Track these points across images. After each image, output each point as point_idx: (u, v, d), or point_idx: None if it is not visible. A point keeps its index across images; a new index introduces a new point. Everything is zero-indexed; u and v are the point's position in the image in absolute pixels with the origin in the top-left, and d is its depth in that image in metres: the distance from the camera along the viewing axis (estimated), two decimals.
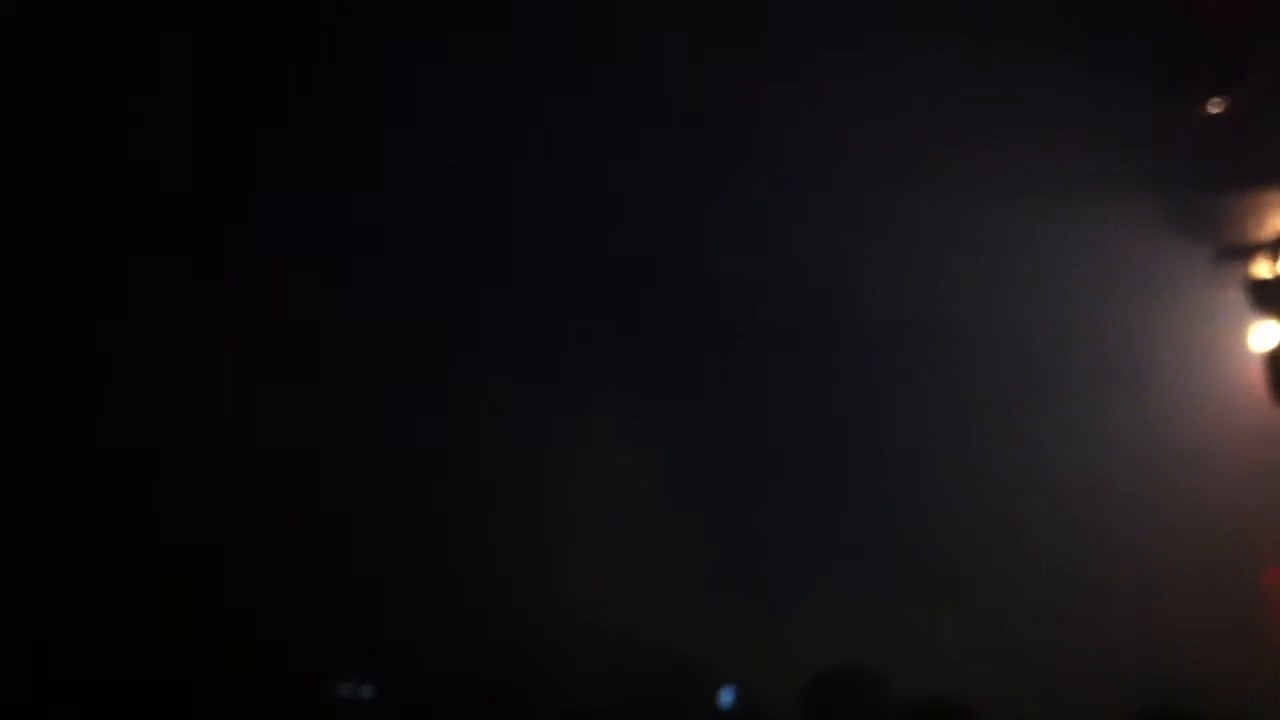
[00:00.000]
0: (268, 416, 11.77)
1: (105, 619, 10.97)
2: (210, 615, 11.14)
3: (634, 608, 11.91)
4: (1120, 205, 12.32)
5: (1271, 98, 12.23)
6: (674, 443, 12.56)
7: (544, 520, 12.21)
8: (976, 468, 12.44)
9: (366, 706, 11.86)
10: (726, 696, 11.92)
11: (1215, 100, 12.44)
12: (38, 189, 11.65)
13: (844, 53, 12.12)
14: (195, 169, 12.05)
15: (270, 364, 11.82)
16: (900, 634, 12.09)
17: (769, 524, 12.62)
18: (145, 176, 11.89)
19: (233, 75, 12.04)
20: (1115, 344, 12.51)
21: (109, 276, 11.73)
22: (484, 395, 12.29)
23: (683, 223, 12.51)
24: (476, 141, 12.31)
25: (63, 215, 11.78)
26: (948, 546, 12.53)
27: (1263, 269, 12.63)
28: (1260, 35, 12.08)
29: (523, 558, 11.98)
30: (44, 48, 11.74)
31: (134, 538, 11.24)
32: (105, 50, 11.81)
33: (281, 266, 12.08)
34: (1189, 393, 12.49)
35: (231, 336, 11.85)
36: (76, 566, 11.09)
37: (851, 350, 12.69)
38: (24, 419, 11.32)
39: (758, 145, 12.36)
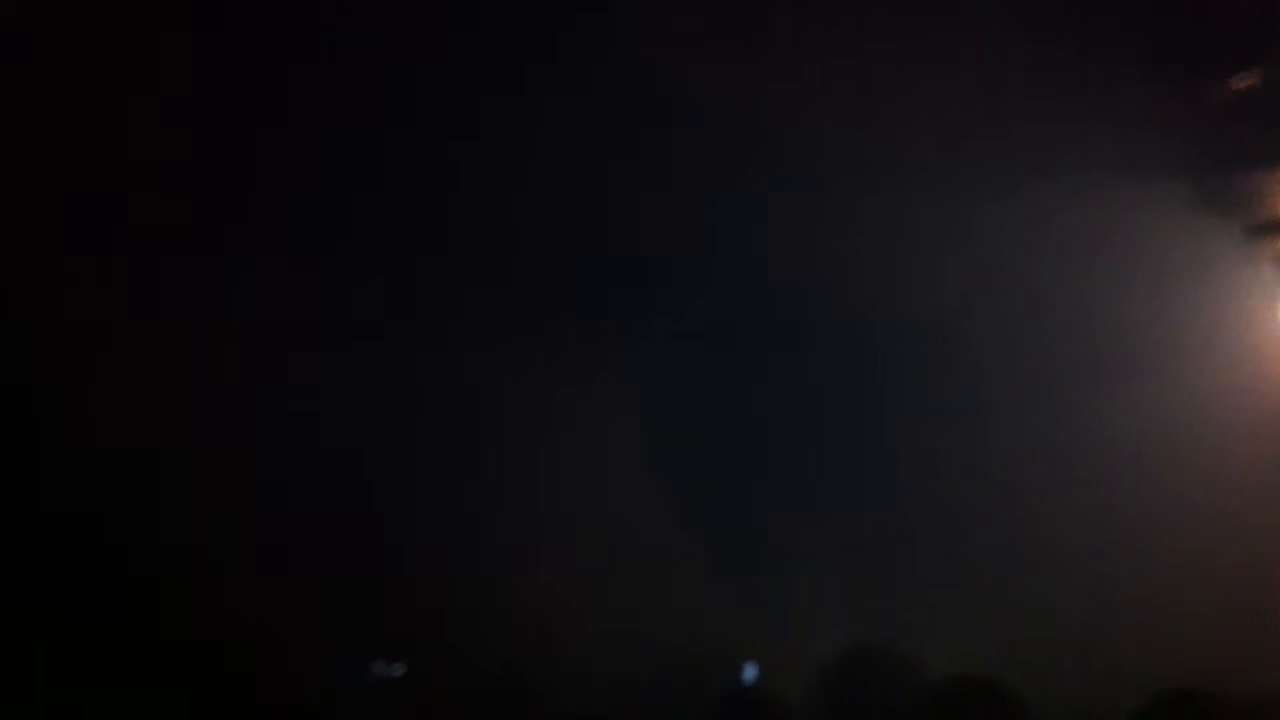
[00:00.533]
0: (261, 410, 11.71)
1: (105, 619, 10.93)
2: (208, 614, 11.10)
3: (636, 600, 11.88)
4: (1145, 188, 12.31)
5: None
6: (674, 433, 12.49)
7: (541, 514, 12.17)
8: (999, 456, 12.39)
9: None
10: (749, 672, 11.86)
11: (1240, 76, 12.46)
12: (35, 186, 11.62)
13: (852, 44, 12.16)
14: (192, 166, 12.03)
15: (263, 358, 11.77)
16: (921, 624, 11.99)
17: (773, 513, 12.52)
18: (137, 170, 11.84)
19: (231, 71, 12.01)
20: (1143, 327, 12.44)
21: (105, 274, 11.63)
22: (481, 390, 12.24)
23: (694, 205, 12.45)
24: (476, 131, 12.28)
25: (61, 214, 11.74)
26: (974, 535, 12.48)
27: None
28: None
29: (519, 553, 11.94)
30: (44, 47, 11.73)
31: (133, 537, 11.20)
32: (100, 45, 11.77)
33: (277, 259, 12.03)
34: (1217, 374, 12.46)
35: (228, 332, 11.83)
36: (76, 566, 11.07)
37: (866, 341, 12.65)
38: (24, 419, 11.26)
39: (765, 140, 12.29)
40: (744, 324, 12.81)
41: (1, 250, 11.36)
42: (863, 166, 12.18)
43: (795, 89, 12.11)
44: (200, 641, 10.98)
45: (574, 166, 12.30)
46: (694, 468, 12.62)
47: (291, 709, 11.20)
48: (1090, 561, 12.18)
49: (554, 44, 12.30)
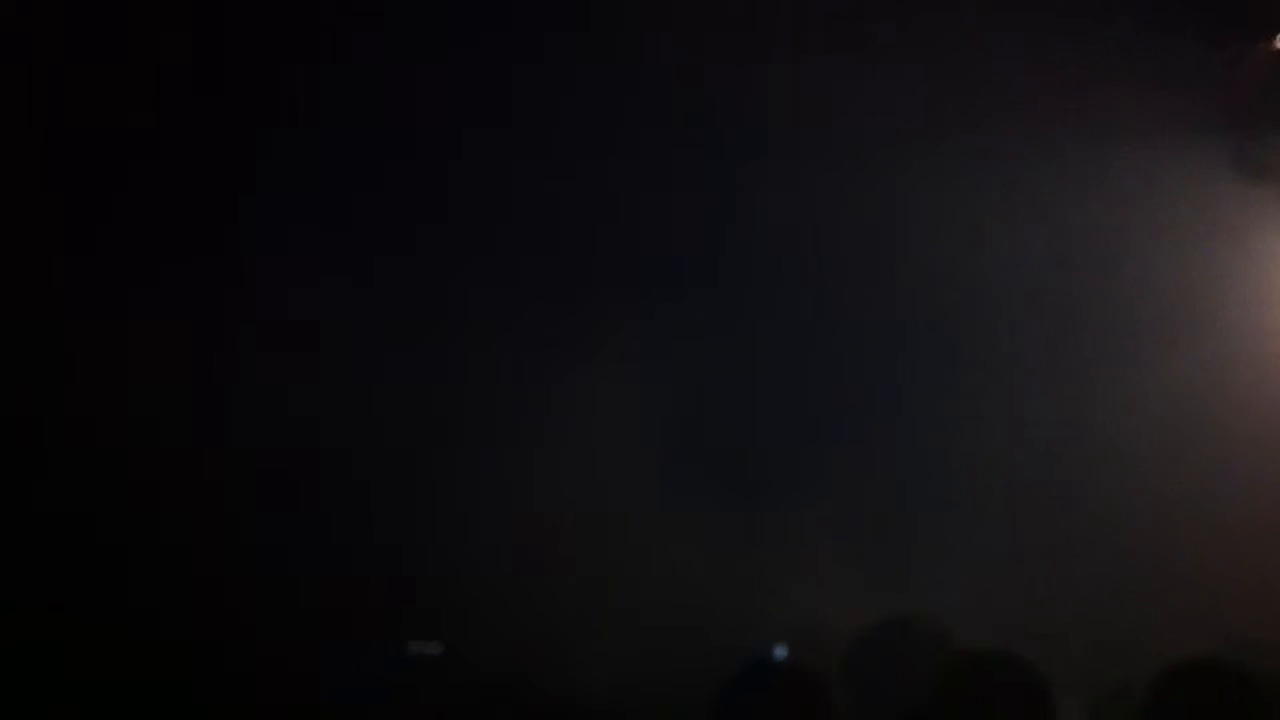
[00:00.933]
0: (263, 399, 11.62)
1: (105, 619, 10.83)
2: (208, 611, 11.00)
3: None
4: (1190, 149, 12.07)
5: None
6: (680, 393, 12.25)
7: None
8: (1039, 423, 12.19)
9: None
10: (779, 652, 11.53)
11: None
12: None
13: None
14: (189, 163, 11.96)
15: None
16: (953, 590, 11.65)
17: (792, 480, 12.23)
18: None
19: (228, 66, 11.97)
20: (1183, 293, 12.21)
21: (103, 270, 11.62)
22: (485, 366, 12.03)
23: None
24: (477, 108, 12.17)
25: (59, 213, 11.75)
26: (1014, 502, 12.23)
27: None
28: None
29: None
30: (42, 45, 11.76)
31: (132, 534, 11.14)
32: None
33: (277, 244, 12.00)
34: (1261, 340, 12.27)
35: (228, 329, 11.78)
36: (76, 566, 11.03)
37: (905, 302, 12.49)
38: (23, 419, 11.26)
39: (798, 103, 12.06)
40: (778, 272, 12.40)
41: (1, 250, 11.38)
42: (900, 128, 12.06)
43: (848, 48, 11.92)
44: (198, 641, 10.86)
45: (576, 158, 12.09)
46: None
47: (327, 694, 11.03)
48: (1121, 530, 11.89)
49: (549, 40, 12.14)
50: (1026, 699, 8.40)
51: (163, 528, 11.23)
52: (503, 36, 12.15)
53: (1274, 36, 12.29)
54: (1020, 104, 11.94)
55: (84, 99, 11.72)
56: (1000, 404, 12.07)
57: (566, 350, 12.01)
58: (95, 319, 11.42)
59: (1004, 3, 11.91)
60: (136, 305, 11.57)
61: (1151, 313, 12.08)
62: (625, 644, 11.36)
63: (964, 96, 12.00)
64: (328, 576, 11.45)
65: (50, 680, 10.43)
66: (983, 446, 12.02)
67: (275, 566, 11.26)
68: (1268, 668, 9.08)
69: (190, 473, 11.29)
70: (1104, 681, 9.93)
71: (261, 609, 11.13)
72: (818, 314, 12.43)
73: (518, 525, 11.78)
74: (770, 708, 8.41)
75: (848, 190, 11.99)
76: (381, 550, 11.68)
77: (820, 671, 9.04)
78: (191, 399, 11.51)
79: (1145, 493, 11.74)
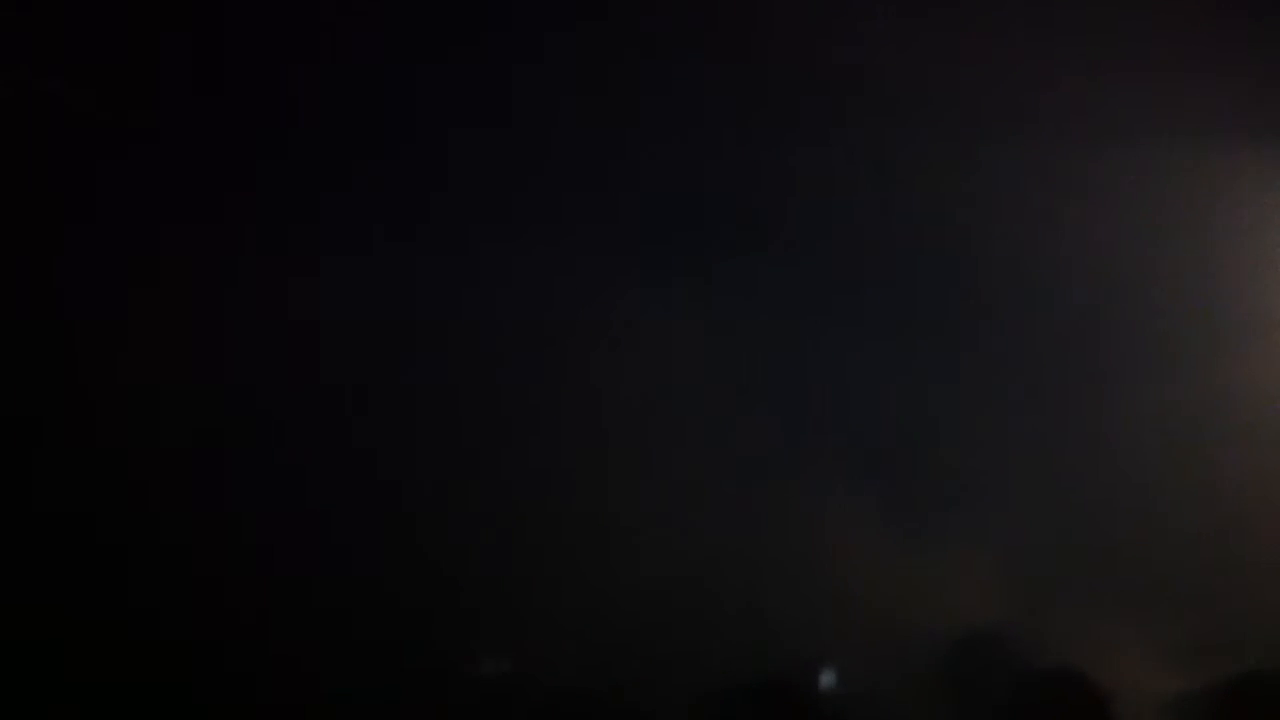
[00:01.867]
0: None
1: (105, 619, 10.59)
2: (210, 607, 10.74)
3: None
4: (1246, 151, 12.11)
5: None
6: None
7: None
8: (1073, 421, 12.22)
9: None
10: (827, 679, 11.33)
11: None
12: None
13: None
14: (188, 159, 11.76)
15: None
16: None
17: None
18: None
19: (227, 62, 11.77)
20: (1229, 291, 12.31)
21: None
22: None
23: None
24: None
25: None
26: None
27: None
28: None
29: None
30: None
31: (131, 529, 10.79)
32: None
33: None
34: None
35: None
36: (76, 566, 10.75)
37: (954, 292, 12.43)
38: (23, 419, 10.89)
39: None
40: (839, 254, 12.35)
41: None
42: (962, 115, 12.11)
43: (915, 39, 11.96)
44: (199, 640, 10.48)
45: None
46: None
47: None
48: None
49: None
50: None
51: (166, 528, 10.94)
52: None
53: None
54: (1037, 112, 12.11)
55: (84, 99, 11.45)
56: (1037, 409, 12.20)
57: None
58: (95, 319, 11.23)
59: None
60: (136, 305, 11.36)
61: (1199, 311, 12.15)
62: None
63: (1027, 98, 12.08)
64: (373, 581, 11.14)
65: (50, 680, 10.25)
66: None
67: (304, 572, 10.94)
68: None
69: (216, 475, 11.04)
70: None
71: (262, 609, 10.84)
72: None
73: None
74: None
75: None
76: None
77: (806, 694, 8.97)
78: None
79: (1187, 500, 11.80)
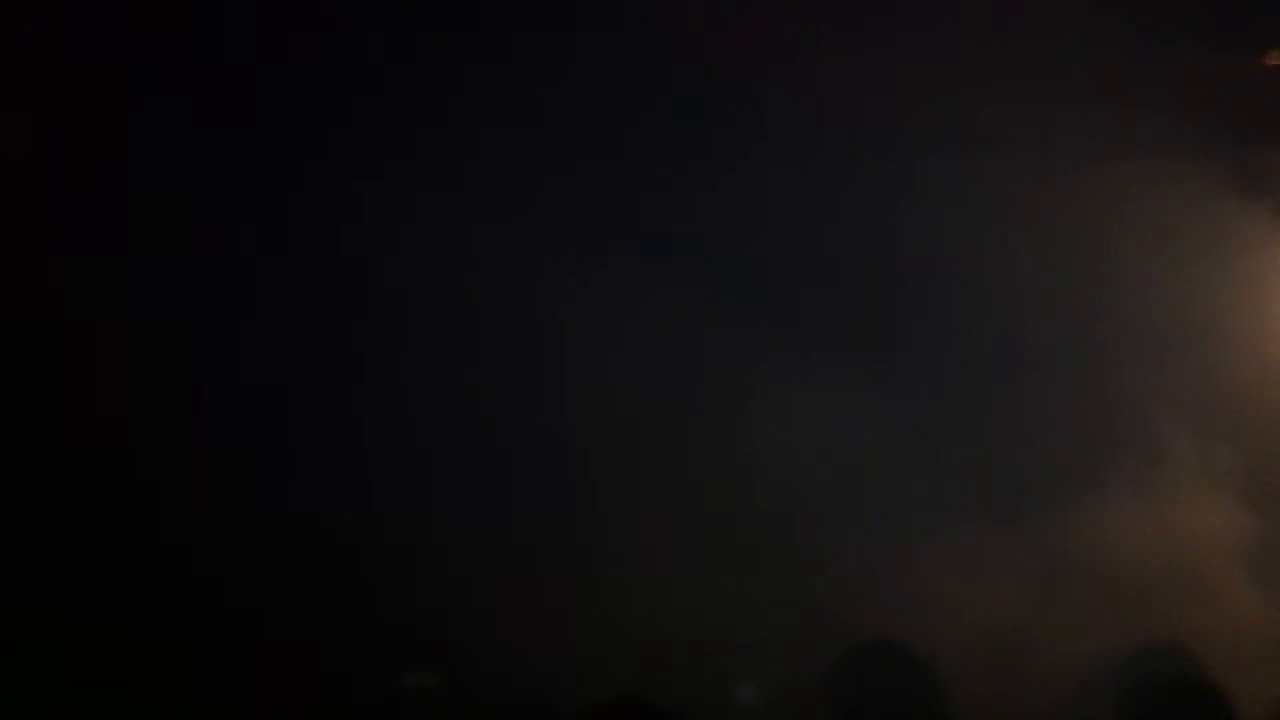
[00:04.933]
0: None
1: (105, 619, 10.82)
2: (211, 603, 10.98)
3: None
4: (1177, 164, 12.00)
5: None
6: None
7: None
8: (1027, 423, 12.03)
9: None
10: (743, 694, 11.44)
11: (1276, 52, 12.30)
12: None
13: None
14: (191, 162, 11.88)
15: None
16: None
17: None
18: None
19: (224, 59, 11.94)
20: (1173, 306, 12.11)
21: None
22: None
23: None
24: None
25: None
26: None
27: None
28: None
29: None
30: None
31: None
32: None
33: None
34: (1248, 355, 12.19)
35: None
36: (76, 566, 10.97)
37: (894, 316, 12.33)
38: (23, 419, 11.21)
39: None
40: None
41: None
42: (909, 138, 11.98)
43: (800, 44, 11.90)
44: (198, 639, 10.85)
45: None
46: None
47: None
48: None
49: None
50: None
51: (164, 527, 11.15)
52: None
53: (1272, 50, 12.40)
54: (1020, 116, 11.97)
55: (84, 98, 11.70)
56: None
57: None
58: (95, 319, 11.36)
59: (1006, 13, 11.93)
60: (136, 305, 11.52)
61: (1147, 326, 11.98)
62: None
63: (948, 116, 11.93)
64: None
65: (50, 680, 10.51)
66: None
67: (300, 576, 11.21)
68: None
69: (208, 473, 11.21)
70: None
71: (261, 611, 11.10)
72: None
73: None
74: None
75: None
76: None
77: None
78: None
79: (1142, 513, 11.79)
